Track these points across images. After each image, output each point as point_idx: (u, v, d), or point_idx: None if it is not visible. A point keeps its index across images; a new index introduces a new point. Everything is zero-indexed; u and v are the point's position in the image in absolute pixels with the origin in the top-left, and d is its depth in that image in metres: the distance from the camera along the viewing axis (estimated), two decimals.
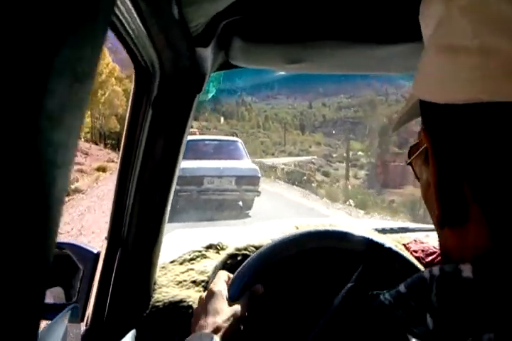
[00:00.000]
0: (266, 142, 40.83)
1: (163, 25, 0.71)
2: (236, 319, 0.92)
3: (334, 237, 1.01)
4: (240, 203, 10.44)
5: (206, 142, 11.76)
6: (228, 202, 10.06)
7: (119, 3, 0.61)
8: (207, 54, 0.89)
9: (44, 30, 0.23)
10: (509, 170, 0.36)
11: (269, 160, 28.03)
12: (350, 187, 20.14)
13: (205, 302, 0.94)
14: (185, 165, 9.86)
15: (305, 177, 20.89)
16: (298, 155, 33.91)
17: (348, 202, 15.06)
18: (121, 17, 0.67)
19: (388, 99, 40.70)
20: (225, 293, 0.95)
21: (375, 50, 0.92)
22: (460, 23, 0.37)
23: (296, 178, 20.35)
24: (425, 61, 0.43)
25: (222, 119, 44.75)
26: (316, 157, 31.10)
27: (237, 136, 13.50)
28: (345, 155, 31.62)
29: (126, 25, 0.69)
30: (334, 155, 33.04)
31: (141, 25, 0.68)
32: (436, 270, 0.39)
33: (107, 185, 13.65)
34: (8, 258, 0.22)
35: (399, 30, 0.87)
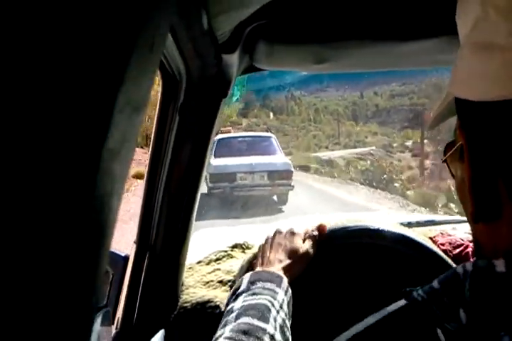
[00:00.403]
0: (318, 135, 39.45)
1: (192, 35, 0.72)
2: (308, 259, 0.95)
3: (365, 234, 1.03)
4: (275, 198, 10.54)
5: (239, 139, 11.99)
6: (261, 198, 10.14)
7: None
8: (233, 60, 0.90)
9: (106, 67, 0.25)
10: None
11: (324, 154, 26.90)
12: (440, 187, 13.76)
13: (277, 238, 0.99)
14: (218, 162, 10.10)
15: (385, 176, 16.39)
16: (354, 147, 32.23)
17: (448, 206, 10.87)
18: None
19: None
20: (300, 230, 0.99)
21: (398, 47, 0.92)
22: (496, 22, 0.38)
23: (374, 178, 16.32)
24: (460, 59, 0.44)
25: (271, 115, 44.55)
26: (374, 148, 29.25)
27: (270, 131, 13.53)
28: (407, 144, 29.61)
29: None
30: (394, 145, 31.32)
31: (170, 36, 0.69)
32: (469, 265, 0.40)
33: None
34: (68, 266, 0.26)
35: (421, 26, 0.88)
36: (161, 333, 0.99)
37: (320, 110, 48.76)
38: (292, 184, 10.24)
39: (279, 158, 10.74)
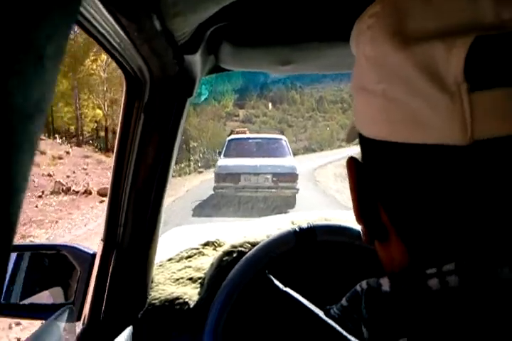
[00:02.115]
0: (332, 125, 37.38)
1: (147, 36, 0.72)
2: None
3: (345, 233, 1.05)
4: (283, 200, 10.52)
5: (249, 140, 12.08)
6: (267, 199, 10.16)
7: (100, 16, 0.63)
8: (195, 60, 0.90)
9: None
10: (418, 199, 0.39)
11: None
12: None
13: None
14: (224, 163, 10.33)
15: None
16: None
17: None
18: (103, 30, 0.68)
19: None
20: None
21: None
22: (366, 69, 0.41)
23: None
24: (352, 94, 0.46)
25: (270, 105, 43.98)
26: None
27: (282, 133, 13.57)
28: None
29: (109, 38, 0.71)
30: None
31: (125, 37, 0.70)
32: (364, 284, 0.43)
33: None
34: None
35: None
36: (128, 330, 1.01)
37: (324, 99, 47.56)
38: (297, 187, 10.25)
39: (285, 161, 10.75)
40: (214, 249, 1.21)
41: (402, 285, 0.39)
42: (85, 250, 1.04)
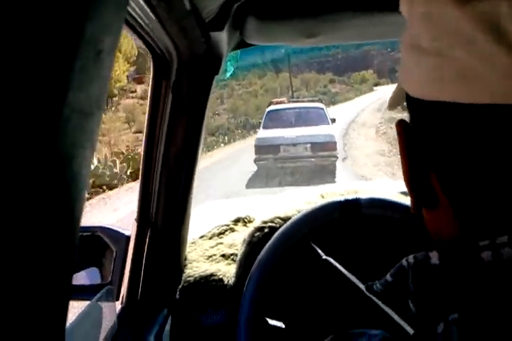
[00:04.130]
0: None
1: (176, 15, 0.72)
2: None
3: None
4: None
5: (287, 111, 12.18)
6: (306, 169, 10.26)
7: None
8: (222, 37, 0.89)
9: (46, 76, 0.26)
10: (472, 166, 0.38)
11: None
12: None
13: None
14: (263, 134, 10.59)
15: None
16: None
17: None
18: (132, 11, 0.67)
19: None
20: None
21: (390, 17, 0.91)
22: (420, 26, 0.39)
23: None
24: (401, 53, 0.44)
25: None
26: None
27: (321, 102, 13.62)
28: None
29: (137, 17, 0.70)
30: None
31: (153, 17, 0.69)
32: (411, 258, 0.42)
33: None
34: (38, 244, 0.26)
35: None
36: (165, 309, 1.03)
37: None
38: (337, 155, 10.38)
39: (323, 129, 10.83)
40: (244, 225, 1.22)
41: (452, 258, 0.38)
42: (119, 230, 1.05)
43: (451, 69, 0.36)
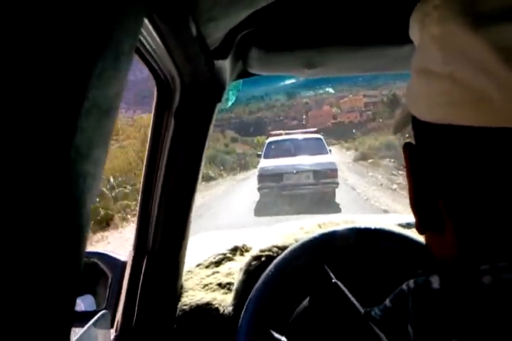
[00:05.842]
0: None
1: (182, 42, 0.73)
2: None
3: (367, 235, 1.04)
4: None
5: (287, 142, 12.64)
6: (308, 196, 10.43)
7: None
8: (225, 65, 0.91)
9: (70, 73, 0.27)
10: (478, 190, 0.38)
11: None
12: None
13: None
14: (265, 164, 10.85)
15: None
16: None
17: None
18: (140, 36, 0.68)
19: None
20: None
21: (389, 50, 0.94)
22: (432, 50, 0.39)
23: None
24: (410, 78, 0.45)
25: None
26: None
27: (319, 133, 14.07)
28: None
29: (145, 43, 0.71)
30: None
31: (160, 42, 0.70)
32: (411, 282, 0.42)
33: None
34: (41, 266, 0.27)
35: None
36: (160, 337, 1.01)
37: None
38: (337, 181, 10.64)
39: (324, 158, 11.15)
40: (241, 254, 1.21)
41: (453, 282, 0.38)
42: (116, 256, 1.04)
43: (464, 94, 0.36)
